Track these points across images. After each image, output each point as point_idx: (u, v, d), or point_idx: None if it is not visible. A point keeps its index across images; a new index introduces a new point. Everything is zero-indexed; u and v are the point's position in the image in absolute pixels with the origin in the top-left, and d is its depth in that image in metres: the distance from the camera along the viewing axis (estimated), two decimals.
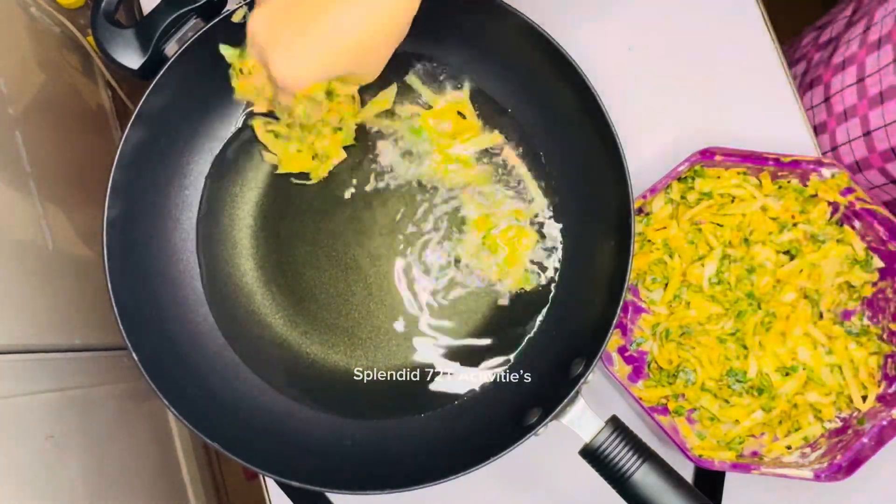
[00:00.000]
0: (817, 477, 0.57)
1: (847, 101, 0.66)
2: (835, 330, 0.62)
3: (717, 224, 0.63)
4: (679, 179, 0.63)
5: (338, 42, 0.41)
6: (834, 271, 0.62)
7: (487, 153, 0.61)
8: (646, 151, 0.65)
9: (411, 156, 0.61)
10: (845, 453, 0.58)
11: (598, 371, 0.62)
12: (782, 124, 0.67)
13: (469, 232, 0.60)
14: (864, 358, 0.61)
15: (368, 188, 0.61)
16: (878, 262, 0.62)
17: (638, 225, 0.63)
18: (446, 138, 0.61)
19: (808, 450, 0.61)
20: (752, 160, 0.61)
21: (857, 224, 0.62)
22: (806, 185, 0.62)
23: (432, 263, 0.60)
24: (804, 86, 0.73)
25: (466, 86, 0.61)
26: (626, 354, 0.63)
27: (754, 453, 0.61)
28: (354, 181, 0.61)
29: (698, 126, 0.67)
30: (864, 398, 0.61)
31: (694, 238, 0.63)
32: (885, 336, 0.61)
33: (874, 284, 0.62)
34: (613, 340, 0.63)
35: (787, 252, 0.63)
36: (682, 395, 0.62)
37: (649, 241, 0.64)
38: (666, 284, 0.63)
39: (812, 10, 0.87)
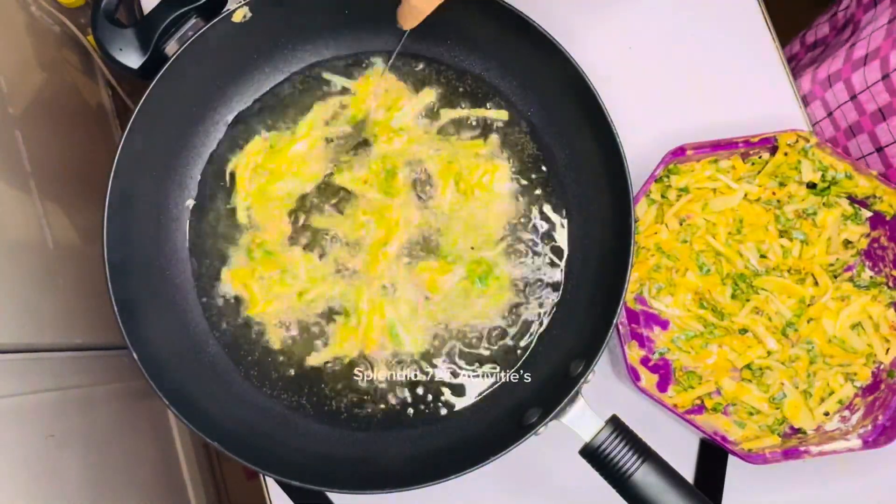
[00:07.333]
0: (866, 443, 0.58)
1: (849, 118, 0.66)
2: (846, 288, 0.63)
3: (709, 220, 0.64)
4: (656, 180, 0.63)
5: None
6: (837, 231, 0.63)
7: (459, 123, 0.61)
8: (647, 150, 0.65)
9: (369, 141, 0.61)
10: (885, 412, 0.59)
11: (598, 371, 0.62)
12: (776, 108, 0.68)
13: (440, 185, 0.60)
14: (882, 312, 0.62)
15: (348, 180, 0.61)
16: (865, 213, 0.63)
17: None
18: (382, 112, 0.61)
19: (846, 412, 0.61)
20: (722, 147, 0.61)
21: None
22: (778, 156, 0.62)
23: (422, 253, 0.60)
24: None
25: (378, 61, 0.61)
26: (650, 364, 0.63)
27: (793, 429, 0.61)
28: (341, 176, 0.61)
29: (699, 125, 0.67)
30: (888, 351, 0.62)
31: (686, 236, 0.64)
32: (890, 283, 0.63)
33: (867, 236, 0.64)
34: (634, 353, 0.63)
35: (782, 234, 0.64)
36: (718, 392, 0.62)
37: (643, 247, 0.64)
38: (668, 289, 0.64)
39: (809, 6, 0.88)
